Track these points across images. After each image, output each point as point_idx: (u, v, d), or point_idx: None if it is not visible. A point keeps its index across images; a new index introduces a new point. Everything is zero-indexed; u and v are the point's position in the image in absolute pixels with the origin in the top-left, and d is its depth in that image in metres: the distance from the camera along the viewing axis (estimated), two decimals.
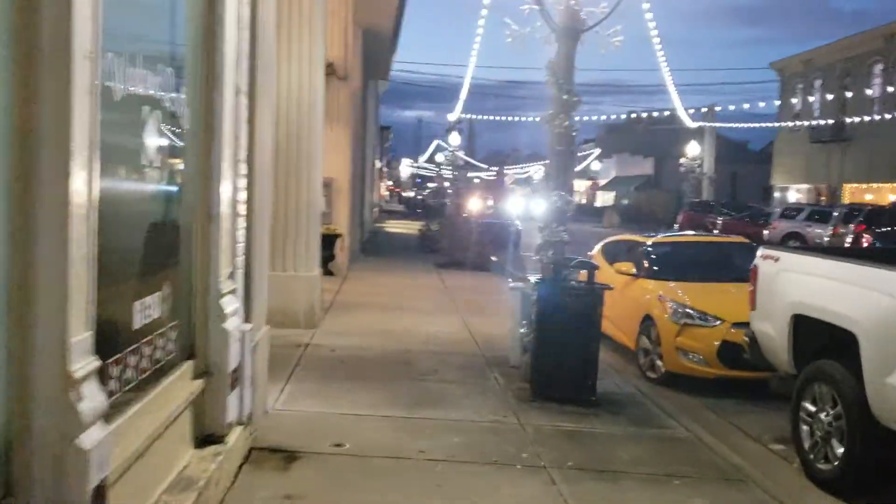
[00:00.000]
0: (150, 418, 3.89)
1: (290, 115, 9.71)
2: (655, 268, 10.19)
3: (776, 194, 46.45)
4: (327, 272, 15.80)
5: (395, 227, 39.92)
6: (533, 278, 8.15)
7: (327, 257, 15.77)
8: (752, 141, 70.00)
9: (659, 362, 9.11)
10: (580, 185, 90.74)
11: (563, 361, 7.43)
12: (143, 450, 3.73)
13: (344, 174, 16.56)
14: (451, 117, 43.41)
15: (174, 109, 4.05)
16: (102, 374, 3.08)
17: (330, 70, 14.65)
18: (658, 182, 62.07)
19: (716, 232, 34.20)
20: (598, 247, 12.09)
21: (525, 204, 26.95)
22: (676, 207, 48.07)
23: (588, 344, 7.51)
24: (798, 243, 29.30)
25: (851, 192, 38.49)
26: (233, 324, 4.88)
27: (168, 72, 3.85)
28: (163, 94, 3.81)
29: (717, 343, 8.62)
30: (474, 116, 47.57)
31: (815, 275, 6.29)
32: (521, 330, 8.38)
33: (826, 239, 26.59)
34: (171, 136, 4.07)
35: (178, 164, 4.26)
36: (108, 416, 3.24)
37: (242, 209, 5.08)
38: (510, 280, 8.70)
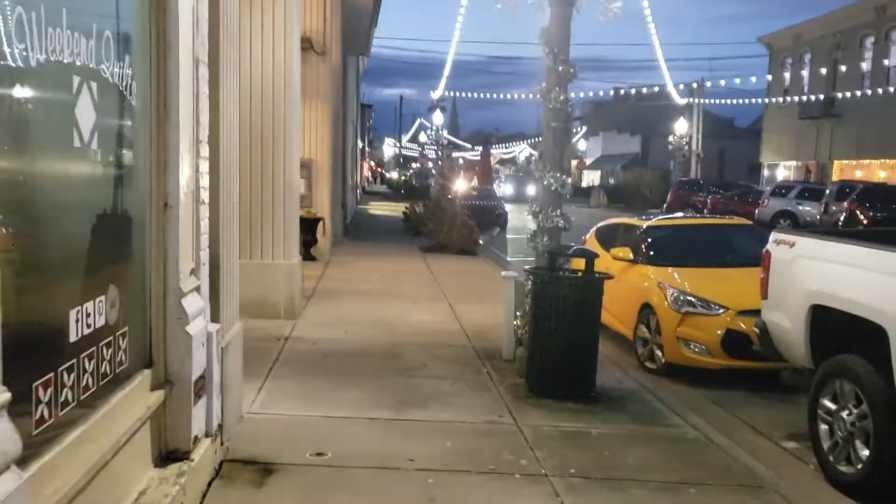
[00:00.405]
0: (98, 442, 3.35)
1: (265, 90, 9.09)
2: (654, 253, 9.67)
3: (765, 172, 46.13)
4: (309, 257, 15.24)
5: (378, 208, 39.29)
6: (527, 267, 7.62)
7: (309, 241, 15.21)
8: (739, 117, 69.75)
9: (659, 353, 8.63)
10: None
11: (560, 355, 6.92)
12: (87, 481, 3.18)
13: (324, 154, 15.94)
14: (435, 94, 42.66)
15: (118, 82, 3.46)
16: (22, 404, 2.53)
17: (307, 44, 14.01)
18: (645, 160, 61.63)
19: (705, 212, 33.87)
20: (591, 231, 11.54)
21: (514, 186, 26.85)
22: (664, 186, 47.72)
23: (587, 337, 7.00)
24: (789, 222, 28.99)
25: (841, 169, 38.16)
26: (197, 326, 4.33)
27: (107, 35, 3.25)
28: (101, 63, 3.22)
29: (720, 332, 8.14)
30: (458, 94, 46.85)
31: (837, 262, 5.79)
32: (515, 322, 7.87)
33: (818, 218, 26.26)
34: (115, 112, 3.48)
35: (127, 145, 3.68)
36: (36, 452, 2.71)
37: (205, 196, 4.50)
38: (503, 271, 8.18)
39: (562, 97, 7.06)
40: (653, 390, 7.59)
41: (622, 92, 53.99)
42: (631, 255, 9.65)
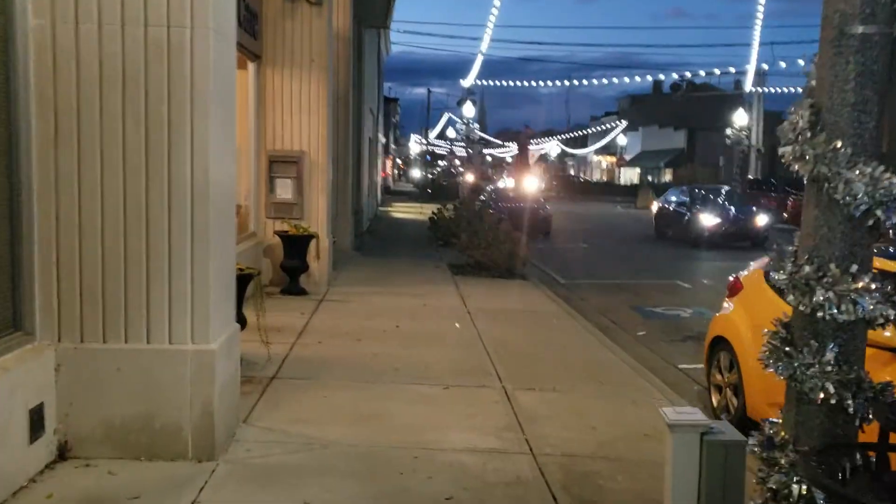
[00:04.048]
0: None
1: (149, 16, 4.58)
2: None
3: None
4: (296, 291, 10.78)
5: (402, 210, 34.77)
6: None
7: (296, 269, 10.75)
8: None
9: None
10: (604, 161, 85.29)
11: None
12: None
13: (320, 146, 11.46)
14: (465, 83, 38.25)
15: None
16: None
17: None
18: (691, 156, 56.58)
19: (785, 216, 28.94)
20: (754, 269, 6.90)
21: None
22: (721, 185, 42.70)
23: None
24: None
25: None
26: None
27: None
28: None
29: None
30: (490, 82, 42.05)
31: None
32: None
33: None
34: None
35: None
36: None
37: None
38: (665, 412, 3.57)
39: None
40: None
41: (675, 81, 48.95)
42: None
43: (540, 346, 8.64)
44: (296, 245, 10.82)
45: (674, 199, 25.22)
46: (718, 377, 6.63)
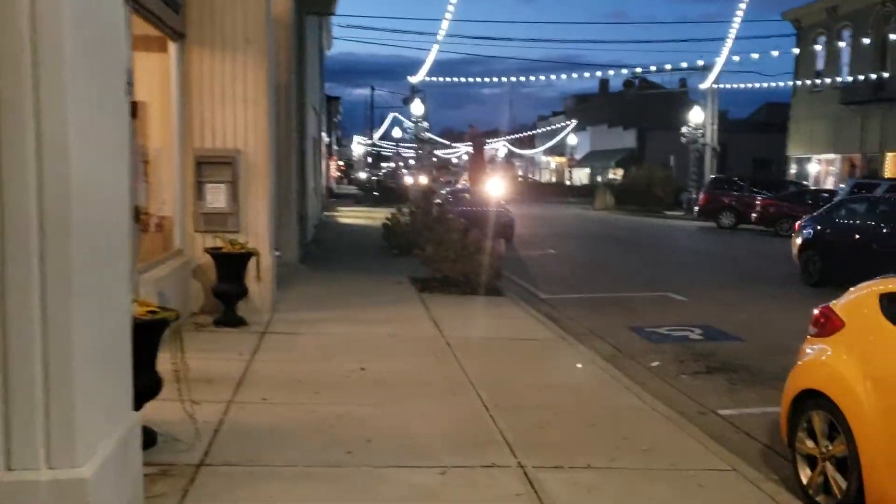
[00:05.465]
0: None
1: None
2: None
3: (793, 167, 40.21)
4: (234, 321, 8.81)
5: (349, 215, 32.68)
6: None
7: (233, 294, 8.78)
8: (733, 109, 64.12)
9: None
10: (553, 162, 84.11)
11: None
12: None
13: (259, 144, 9.46)
14: (414, 79, 36.31)
15: None
16: None
17: None
18: (642, 156, 55.61)
19: (754, 217, 27.76)
20: (866, 291, 5.09)
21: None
22: (676, 184, 41.70)
23: None
24: None
25: (895, 163, 32.34)
26: None
27: None
28: None
29: None
30: (434, 78, 39.84)
31: None
32: None
33: None
34: None
35: None
36: None
37: None
38: None
39: None
40: None
41: (609, 80, 47.94)
42: None
43: (547, 390, 6.82)
44: (231, 265, 8.81)
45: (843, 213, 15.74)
46: (810, 445, 4.90)
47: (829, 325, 4.98)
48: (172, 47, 9.20)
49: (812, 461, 4.90)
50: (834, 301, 5.13)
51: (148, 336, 4.90)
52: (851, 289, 5.13)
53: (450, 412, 6.06)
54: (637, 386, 7.28)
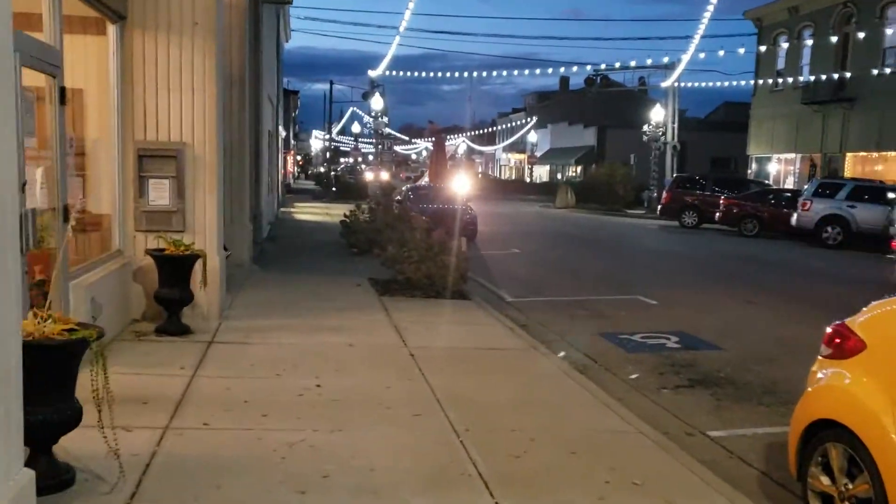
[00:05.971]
0: None
1: None
2: None
3: (753, 166, 40.27)
4: (177, 330, 8.06)
5: (306, 211, 31.81)
6: None
7: (177, 300, 8.02)
8: (691, 108, 64.61)
9: None
10: (513, 159, 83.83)
11: None
12: None
13: (207, 136, 8.69)
14: (374, 73, 35.49)
15: None
16: None
17: None
18: (602, 154, 55.53)
19: (717, 216, 27.57)
20: (890, 308, 4.58)
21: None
22: (637, 183, 41.53)
23: None
24: (839, 230, 22.84)
25: (854, 163, 32.45)
26: None
27: None
28: None
29: None
30: (392, 73, 39.01)
31: None
32: None
33: (881, 225, 20.11)
34: None
35: None
36: None
37: None
38: None
39: None
40: None
41: (570, 78, 47.58)
42: None
43: (523, 410, 6.20)
44: (175, 268, 8.03)
45: None
46: (825, 482, 4.36)
47: (846, 346, 4.44)
48: (111, 29, 8.39)
49: (828, 500, 4.35)
50: (850, 318, 4.58)
51: (64, 359, 4.19)
52: (871, 304, 4.58)
53: (416, 439, 5.41)
54: (617, 403, 6.72)
